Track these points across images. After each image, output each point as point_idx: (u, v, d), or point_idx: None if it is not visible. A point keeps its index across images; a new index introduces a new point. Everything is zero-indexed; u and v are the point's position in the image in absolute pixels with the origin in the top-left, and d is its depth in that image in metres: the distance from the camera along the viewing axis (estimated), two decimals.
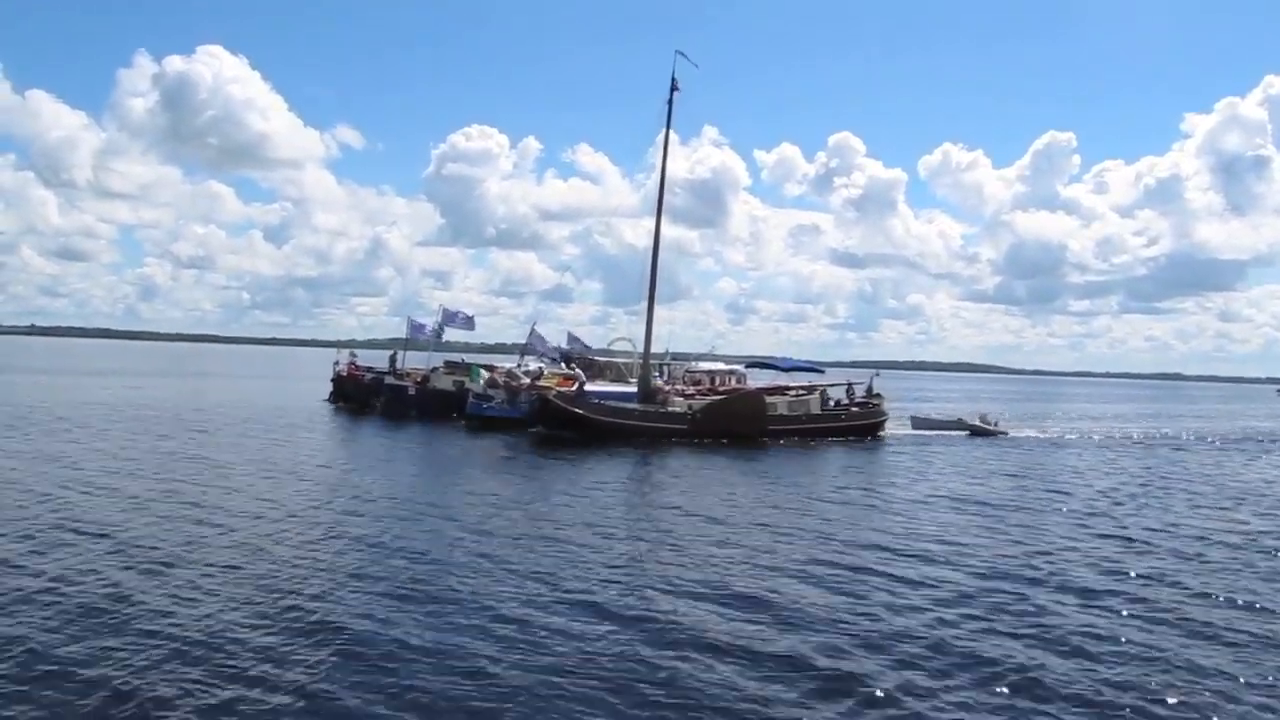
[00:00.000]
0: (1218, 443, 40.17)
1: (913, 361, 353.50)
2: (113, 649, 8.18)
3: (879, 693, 7.90)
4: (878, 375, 40.29)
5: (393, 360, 40.44)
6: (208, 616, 9.19)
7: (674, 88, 32.69)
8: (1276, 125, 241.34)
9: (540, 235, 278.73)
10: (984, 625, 9.96)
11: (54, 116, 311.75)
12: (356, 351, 47.09)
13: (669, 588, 11.14)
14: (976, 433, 39.47)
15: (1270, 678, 8.59)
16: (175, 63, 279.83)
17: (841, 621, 9.88)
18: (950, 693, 7.99)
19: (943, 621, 10.00)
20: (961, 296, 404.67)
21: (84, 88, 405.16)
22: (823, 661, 8.60)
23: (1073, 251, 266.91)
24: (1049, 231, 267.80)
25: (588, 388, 32.54)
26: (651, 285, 32.88)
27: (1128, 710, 7.74)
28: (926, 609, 10.55)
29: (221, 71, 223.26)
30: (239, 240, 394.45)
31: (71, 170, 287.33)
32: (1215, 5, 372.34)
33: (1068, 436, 41.03)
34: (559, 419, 29.32)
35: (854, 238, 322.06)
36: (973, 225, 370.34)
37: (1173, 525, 17.12)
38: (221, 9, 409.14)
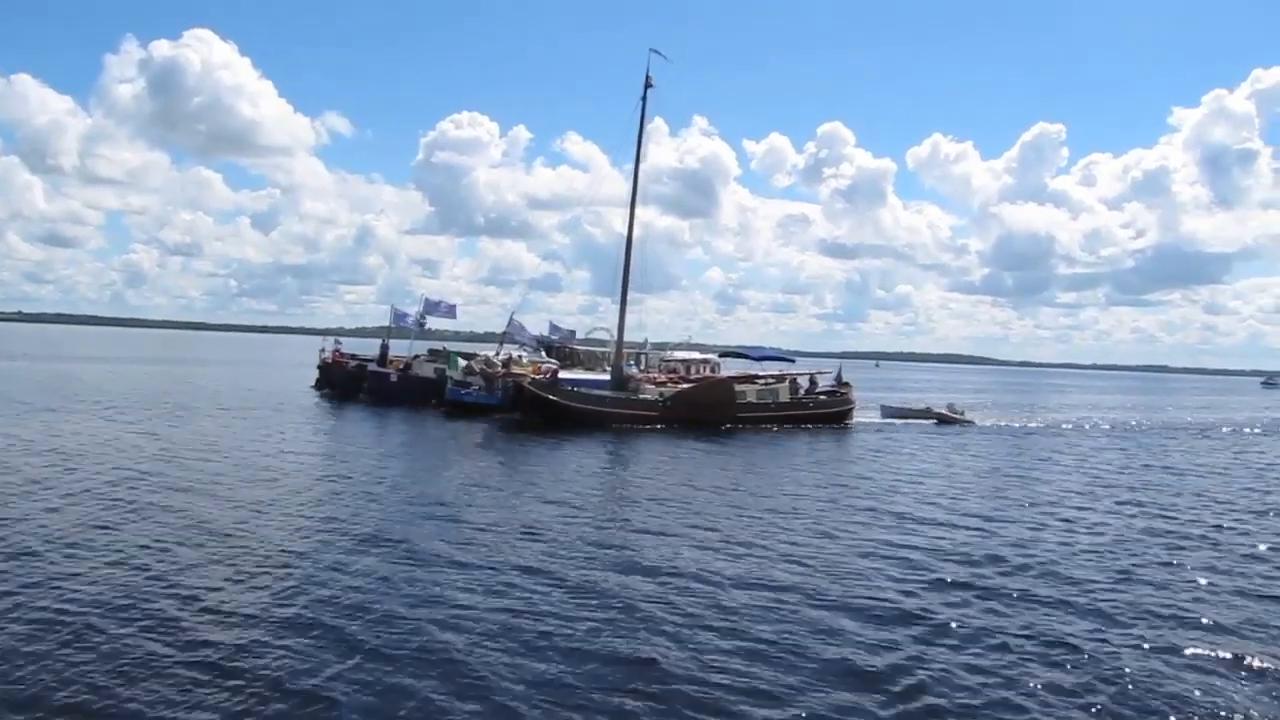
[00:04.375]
0: (1181, 432, 41.62)
1: (900, 352, 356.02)
2: (94, 621, 8.79)
3: (854, 673, 8.23)
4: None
5: (383, 349, 41.36)
6: (188, 593, 9.95)
7: (648, 84, 33.59)
8: (1264, 119, 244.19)
9: (529, 224, 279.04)
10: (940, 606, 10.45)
11: (40, 101, 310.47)
12: (341, 340, 48.34)
13: (628, 563, 11.93)
14: (943, 421, 40.73)
15: (1246, 661, 8.86)
16: (163, 47, 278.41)
17: (802, 596, 10.55)
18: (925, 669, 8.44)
19: (901, 596, 10.79)
20: (949, 288, 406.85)
21: (71, 72, 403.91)
22: (787, 642, 8.97)
23: (1060, 243, 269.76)
24: (1037, 223, 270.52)
25: (565, 375, 33.62)
26: (625, 276, 33.90)
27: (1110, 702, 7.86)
28: (883, 583, 11.32)
29: (210, 57, 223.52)
30: (227, 227, 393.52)
31: (58, 155, 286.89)
32: None
33: (1030, 425, 42.31)
34: (533, 405, 30.32)
35: (843, 228, 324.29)
36: (961, 216, 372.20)
37: (1087, 507, 18.29)
38: None
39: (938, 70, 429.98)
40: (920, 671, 8.33)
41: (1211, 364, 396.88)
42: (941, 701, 7.72)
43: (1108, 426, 43.75)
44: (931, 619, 9.89)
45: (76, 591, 9.59)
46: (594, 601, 10.09)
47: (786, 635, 9.19)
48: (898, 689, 7.94)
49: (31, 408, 28.88)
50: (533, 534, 13.43)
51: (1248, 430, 44.56)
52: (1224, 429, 45.02)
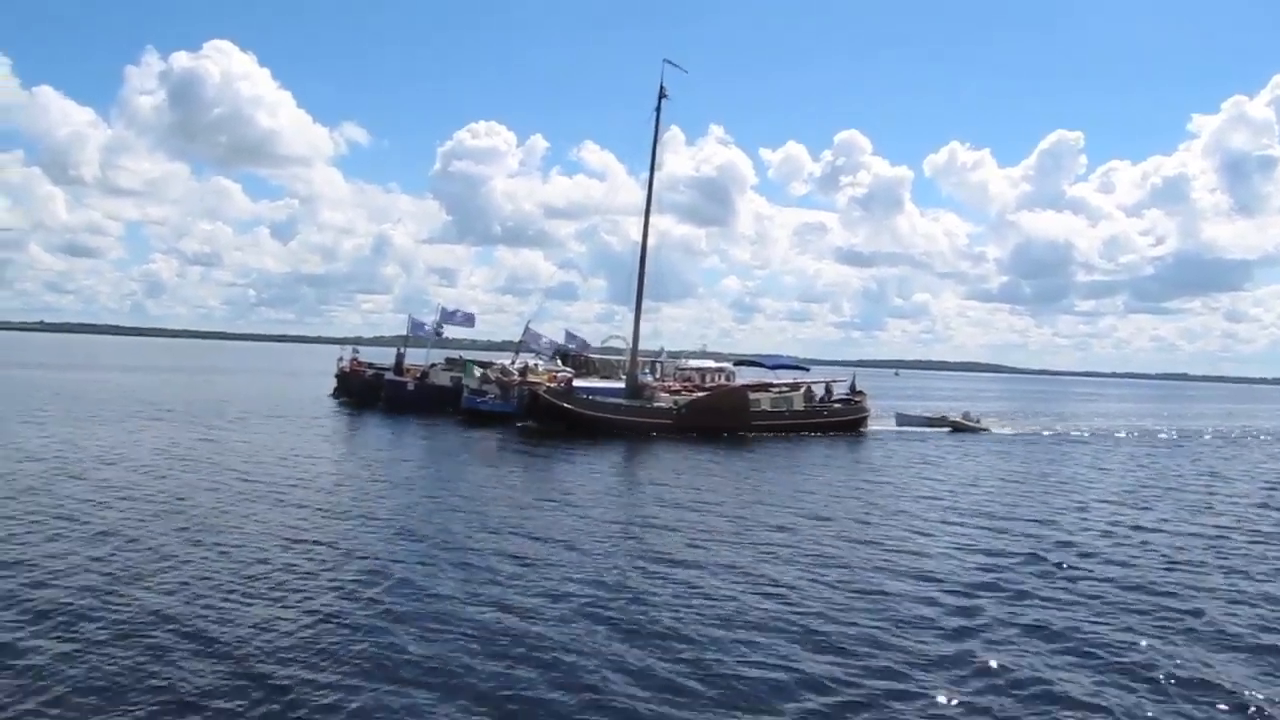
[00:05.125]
0: (1200, 437, 41.35)
1: (918, 360, 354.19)
2: (126, 627, 8.95)
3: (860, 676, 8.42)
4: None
5: (399, 358, 41.81)
6: (206, 595, 10.26)
7: (662, 95, 33.77)
8: None
9: (546, 233, 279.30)
10: (955, 609, 10.78)
11: (61, 113, 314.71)
12: (359, 349, 49.00)
13: (640, 568, 12.22)
14: (958, 429, 40.65)
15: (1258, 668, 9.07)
16: (183, 59, 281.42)
17: (818, 603, 10.77)
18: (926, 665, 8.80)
19: (908, 605, 10.92)
20: (967, 295, 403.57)
21: (91, 84, 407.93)
22: (798, 647, 9.12)
23: (1079, 251, 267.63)
24: (1055, 231, 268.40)
25: (580, 384, 33.83)
26: (640, 285, 34.06)
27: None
28: (898, 589, 11.51)
29: (229, 68, 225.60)
30: (246, 237, 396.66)
31: (79, 167, 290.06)
32: (1223, 5, 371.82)
33: (1051, 433, 42.11)
34: (549, 413, 30.54)
35: (860, 236, 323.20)
36: (979, 224, 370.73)
37: (1095, 512, 18.41)
38: (229, 5, 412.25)
39: (955, 78, 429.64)
40: (1003, 628, 9.95)
41: (1232, 372, 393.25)
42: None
43: (1134, 435, 43.49)
44: (1011, 588, 11.72)
45: (308, 589, 10.51)
46: (737, 586, 11.35)
47: (909, 604, 10.73)
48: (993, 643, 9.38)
49: (102, 417, 29.94)
50: (628, 532, 14.55)
51: (1267, 438, 44.21)
52: (1252, 436, 44.70)
